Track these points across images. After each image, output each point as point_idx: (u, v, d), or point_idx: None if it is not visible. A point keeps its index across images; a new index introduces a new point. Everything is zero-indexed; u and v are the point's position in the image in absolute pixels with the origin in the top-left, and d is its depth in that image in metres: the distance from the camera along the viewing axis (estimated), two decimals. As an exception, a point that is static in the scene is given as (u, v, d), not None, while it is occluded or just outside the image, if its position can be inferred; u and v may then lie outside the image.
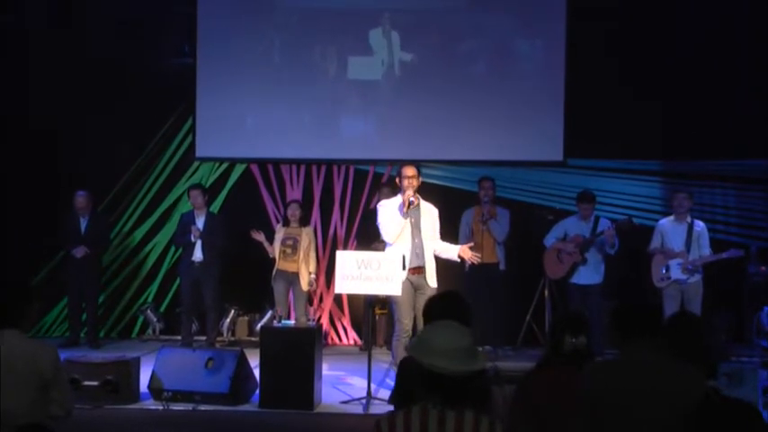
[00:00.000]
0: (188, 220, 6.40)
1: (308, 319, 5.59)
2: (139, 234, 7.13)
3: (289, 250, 6.10)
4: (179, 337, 6.47)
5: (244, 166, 7.11)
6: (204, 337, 6.47)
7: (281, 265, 6.11)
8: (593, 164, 6.82)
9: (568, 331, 2.64)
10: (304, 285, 6.11)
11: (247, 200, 7.02)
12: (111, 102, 6.81)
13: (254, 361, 4.88)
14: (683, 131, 6.57)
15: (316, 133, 6.92)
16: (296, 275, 6.10)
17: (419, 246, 4.75)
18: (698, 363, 2.39)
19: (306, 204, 6.66)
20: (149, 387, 4.73)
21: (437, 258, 4.83)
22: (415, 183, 4.74)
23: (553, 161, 6.75)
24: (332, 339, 6.94)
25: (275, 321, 5.22)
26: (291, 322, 5.32)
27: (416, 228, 4.77)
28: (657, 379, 2.26)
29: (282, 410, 4.53)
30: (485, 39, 6.85)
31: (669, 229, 5.72)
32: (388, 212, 4.78)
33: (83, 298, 6.54)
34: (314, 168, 7.05)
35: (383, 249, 4.89)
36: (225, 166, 7.12)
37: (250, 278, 6.67)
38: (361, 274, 4.57)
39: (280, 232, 6.22)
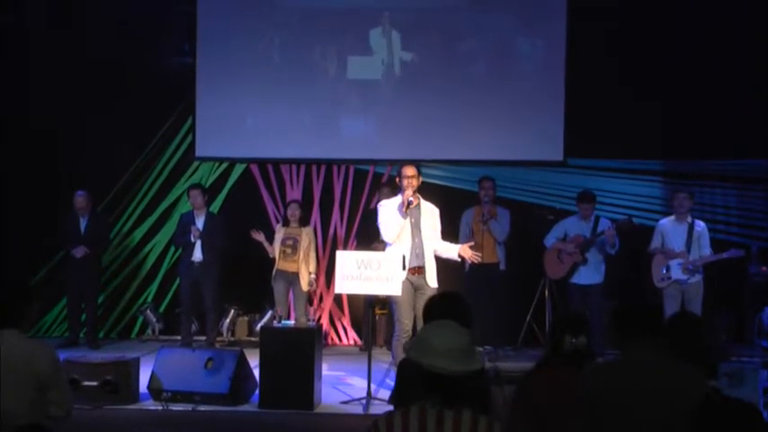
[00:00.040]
0: (188, 220, 6.40)
1: (308, 320, 5.59)
2: (139, 234, 7.13)
3: (289, 250, 6.09)
4: (179, 338, 6.47)
5: (243, 165, 7.10)
6: (204, 338, 6.46)
7: (280, 265, 6.11)
8: (594, 164, 6.82)
9: (569, 331, 2.64)
10: (304, 285, 6.11)
11: (247, 200, 7.01)
12: (111, 102, 6.81)
13: (253, 361, 4.87)
14: (683, 131, 6.57)
15: (316, 133, 6.91)
16: (296, 275, 6.09)
17: (419, 246, 4.74)
18: (698, 363, 2.39)
19: (306, 204, 6.66)
20: (149, 387, 4.73)
21: (437, 258, 4.82)
22: (414, 182, 4.74)
23: (553, 161, 6.75)
24: (332, 339, 6.93)
25: (275, 321, 5.22)
26: (291, 322, 5.32)
27: (416, 228, 4.76)
28: (658, 379, 2.26)
29: (282, 411, 4.53)
30: (485, 38, 6.84)
31: (669, 229, 5.72)
32: (388, 212, 4.77)
33: (82, 298, 6.54)
34: (314, 168, 7.04)
35: (383, 249, 4.89)
36: (225, 165, 7.12)
37: (250, 278, 6.66)
38: (361, 274, 4.56)
39: (279, 232, 6.21)
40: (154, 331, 6.91)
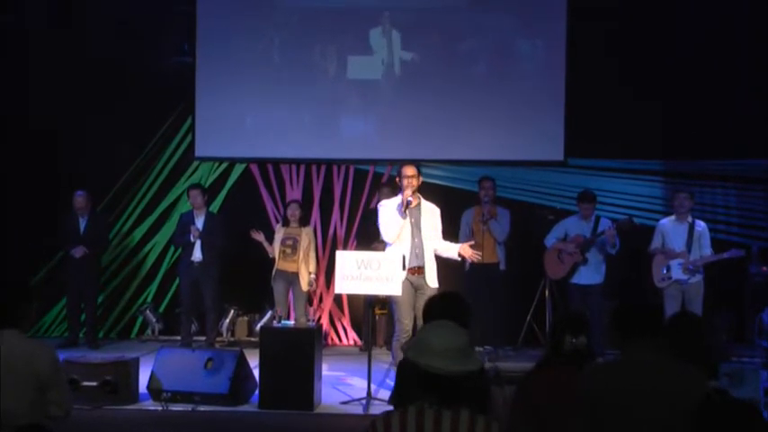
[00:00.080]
0: (187, 219, 6.40)
1: (308, 320, 5.58)
2: (139, 234, 7.12)
3: (288, 250, 6.09)
4: (178, 338, 6.46)
5: (243, 165, 7.10)
6: (203, 338, 6.46)
7: (280, 265, 6.10)
8: (594, 164, 6.82)
9: (569, 331, 2.64)
10: (304, 285, 6.10)
11: (247, 200, 7.01)
12: (111, 102, 6.81)
13: (253, 361, 4.87)
14: (683, 131, 6.57)
15: (315, 133, 6.91)
16: (296, 275, 6.09)
17: (419, 246, 4.74)
18: (699, 363, 2.39)
19: (305, 204, 6.66)
20: (148, 388, 4.72)
21: (437, 258, 4.81)
22: (414, 182, 4.73)
23: (554, 161, 6.75)
24: (332, 340, 6.93)
25: (275, 321, 5.21)
26: (291, 322, 5.31)
27: (416, 228, 4.75)
28: (658, 379, 2.26)
29: (282, 411, 4.52)
30: (485, 38, 6.84)
31: (670, 229, 5.72)
32: (388, 212, 4.77)
33: (82, 298, 6.53)
34: (314, 168, 7.04)
35: (383, 249, 4.88)
36: (224, 165, 7.11)
37: (250, 278, 6.66)
38: (361, 274, 4.56)
39: (279, 232, 6.21)
40: (153, 331, 6.91)
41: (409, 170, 4.75)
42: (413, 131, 6.77)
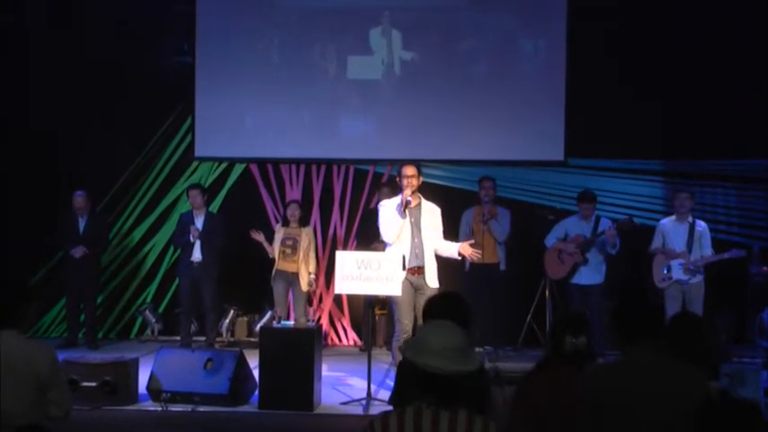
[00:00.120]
0: (187, 220, 6.39)
1: (308, 320, 5.58)
2: (138, 234, 7.12)
3: (288, 250, 6.08)
4: (178, 338, 6.46)
5: (243, 165, 7.09)
6: (203, 338, 6.45)
7: (280, 265, 6.10)
8: (594, 164, 6.81)
9: (569, 331, 2.63)
10: (304, 286, 6.09)
11: (247, 200, 7.00)
12: (111, 102, 6.81)
13: (253, 362, 4.86)
14: (683, 131, 6.56)
15: (315, 133, 6.90)
16: (295, 276, 6.08)
17: (419, 246, 4.73)
18: (700, 363, 2.38)
19: (305, 204, 6.65)
20: (148, 388, 4.71)
21: (437, 258, 4.81)
22: (414, 182, 4.73)
23: (554, 161, 6.74)
24: (332, 340, 6.92)
25: (275, 322, 5.20)
26: (291, 323, 5.30)
27: (416, 228, 4.75)
28: (659, 380, 2.25)
29: (282, 411, 4.52)
30: (485, 38, 6.83)
31: (670, 230, 5.71)
32: (388, 212, 4.76)
33: (81, 298, 6.52)
34: (313, 168, 7.03)
35: (383, 249, 4.88)
36: (224, 165, 7.11)
37: (249, 278, 6.65)
38: (361, 274, 4.55)
39: (279, 232, 6.20)
40: (153, 332, 6.90)
41: (409, 170, 4.75)
42: (413, 131, 6.76)
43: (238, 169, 7.11)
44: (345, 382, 5.38)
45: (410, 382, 1.91)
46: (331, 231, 6.99)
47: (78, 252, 6.41)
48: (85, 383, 4.54)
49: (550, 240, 6.01)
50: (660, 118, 6.58)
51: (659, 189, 6.78)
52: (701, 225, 5.71)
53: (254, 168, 7.07)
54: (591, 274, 5.85)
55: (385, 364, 5.72)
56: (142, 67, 6.88)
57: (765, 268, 6.14)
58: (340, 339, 6.98)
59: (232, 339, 6.69)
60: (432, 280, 4.72)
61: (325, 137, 6.91)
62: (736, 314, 6.30)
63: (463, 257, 4.97)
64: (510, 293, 6.15)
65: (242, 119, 6.99)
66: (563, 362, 2.61)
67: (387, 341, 6.43)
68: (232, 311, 6.75)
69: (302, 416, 4.52)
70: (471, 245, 4.89)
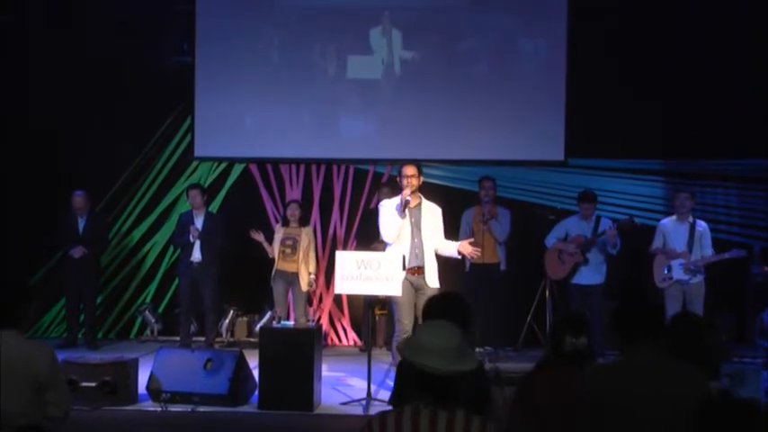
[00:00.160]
0: (187, 220, 6.38)
1: (308, 320, 5.57)
2: (138, 234, 7.11)
3: (288, 250, 6.08)
4: (177, 338, 6.45)
5: (243, 165, 7.09)
6: (203, 338, 6.44)
7: (280, 265, 6.09)
8: (595, 163, 6.81)
9: (569, 331, 2.63)
10: (303, 286, 6.09)
11: (246, 200, 7.00)
12: (111, 102, 6.81)
13: (253, 362, 4.86)
14: (683, 131, 6.56)
15: (315, 133, 6.90)
16: (295, 276, 6.08)
17: (418, 246, 4.73)
18: (700, 364, 2.38)
19: (305, 204, 6.64)
20: (148, 388, 4.71)
21: (438, 258, 4.80)
22: (414, 182, 4.72)
23: (554, 161, 6.74)
24: (331, 340, 6.92)
25: (274, 322, 5.20)
26: (291, 323, 5.29)
27: (416, 228, 4.74)
28: (659, 380, 2.25)
29: (282, 412, 4.51)
30: (485, 38, 6.83)
31: (671, 229, 5.70)
32: (388, 212, 4.76)
33: (81, 298, 6.52)
34: (313, 168, 7.03)
35: (383, 249, 4.87)
36: (224, 165, 7.10)
37: (249, 278, 6.65)
38: (361, 274, 4.55)
39: (279, 232, 6.20)
40: (153, 332, 6.89)
41: (409, 170, 4.74)
42: (413, 131, 6.76)
43: (238, 169, 7.10)
44: (345, 383, 5.37)
45: (409, 383, 1.91)
46: (331, 231, 6.98)
47: (78, 252, 6.40)
48: (85, 384, 4.54)
49: (551, 240, 6.00)
50: (660, 118, 6.57)
51: (660, 189, 6.78)
52: (702, 225, 5.71)
53: (254, 168, 7.07)
54: (591, 275, 5.84)
55: (385, 364, 5.71)
56: (142, 67, 6.88)
57: (766, 268, 6.14)
58: (340, 339, 6.97)
59: (232, 339, 6.69)
60: (432, 280, 4.71)
61: (325, 137, 6.90)
62: (736, 314, 6.30)
63: (463, 257, 4.96)
64: (510, 294, 6.14)
65: (242, 119, 6.99)
66: (563, 362, 2.61)
67: (387, 341, 6.42)
68: (232, 311, 6.75)
69: (302, 416, 4.51)
70: (471, 243, 4.89)
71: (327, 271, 6.67)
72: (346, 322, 6.98)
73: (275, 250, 6.10)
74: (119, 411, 4.54)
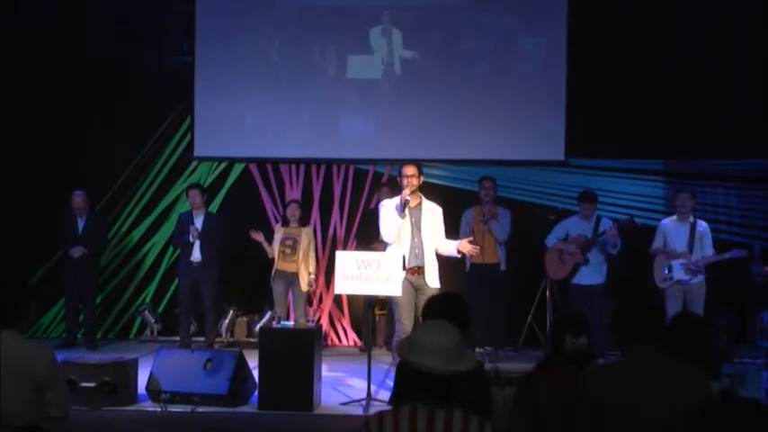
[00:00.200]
0: (186, 220, 6.38)
1: (308, 320, 5.56)
2: (137, 234, 7.11)
3: (288, 250, 6.07)
4: (177, 338, 6.45)
5: (242, 165, 7.08)
6: (203, 338, 6.44)
7: (280, 265, 6.09)
8: (595, 163, 6.80)
9: (569, 332, 2.62)
10: (303, 286, 6.08)
11: (246, 200, 6.99)
12: (111, 102, 6.81)
13: (252, 362, 4.85)
14: (683, 131, 6.56)
15: (315, 133, 6.89)
16: (295, 276, 6.07)
17: (418, 246, 4.72)
18: (701, 364, 2.37)
19: (305, 204, 6.64)
20: (147, 389, 4.70)
21: (438, 257, 4.79)
22: (414, 182, 4.72)
23: (555, 161, 6.73)
24: (331, 340, 6.91)
25: (274, 322, 5.19)
26: (291, 323, 5.29)
27: (416, 227, 4.74)
28: (659, 380, 2.24)
29: (282, 412, 4.51)
30: (485, 38, 6.83)
31: (672, 230, 5.70)
32: (388, 212, 4.75)
33: (80, 298, 6.51)
34: (313, 168, 7.02)
35: (383, 249, 4.87)
36: (223, 165, 7.10)
37: (249, 279, 6.64)
38: (361, 274, 4.54)
39: (279, 232, 6.19)
40: (152, 332, 6.89)
41: (409, 170, 4.74)
42: (413, 131, 6.76)
43: (238, 169, 7.10)
44: (345, 383, 5.37)
45: (409, 383, 1.91)
46: (331, 231, 6.98)
47: (77, 252, 6.40)
48: (84, 384, 4.53)
49: (551, 240, 6.00)
50: (660, 118, 6.57)
51: (660, 189, 6.78)
52: (703, 225, 5.70)
53: (254, 168, 7.07)
54: (592, 275, 5.84)
55: (385, 364, 5.71)
56: (142, 67, 6.88)
57: (766, 268, 6.13)
58: (340, 340, 6.97)
59: (231, 340, 6.68)
60: (432, 280, 4.71)
61: (325, 137, 6.90)
62: (737, 314, 6.29)
63: (463, 255, 4.96)
64: (510, 294, 6.14)
65: (242, 119, 6.98)
66: (563, 362, 2.60)
67: (387, 341, 6.42)
68: (231, 312, 6.74)
69: (302, 416, 4.51)
70: (470, 241, 4.88)
71: (327, 271, 6.67)
72: (346, 322, 6.97)
73: (275, 250, 6.09)
74: (118, 412, 4.53)
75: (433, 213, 4.81)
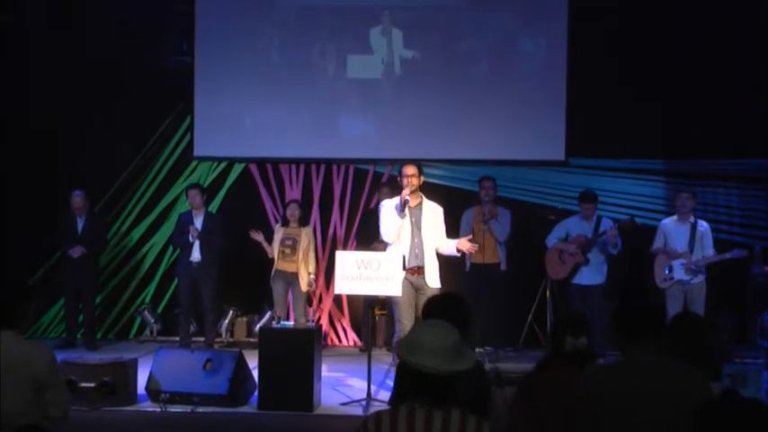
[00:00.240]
0: (186, 219, 6.38)
1: (308, 320, 5.56)
2: (137, 234, 7.11)
3: (288, 250, 6.07)
4: (177, 339, 6.44)
5: (242, 165, 7.08)
6: (202, 338, 6.43)
7: (279, 265, 6.08)
8: (596, 163, 6.80)
9: (570, 332, 2.62)
10: (303, 286, 6.08)
11: (246, 200, 6.99)
12: (111, 102, 6.81)
13: (252, 362, 4.85)
14: (684, 131, 6.56)
15: (315, 132, 6.89)
16: (295, 276, 6.07)
17: (418, 246, 4.72)
18: (701, 364, 2.37)
19: (305, 204, 6.64)
20: (147, 389, 4.70)
21: (438, 257, 4.79)
22: (414, 182, 4.71)
23: (555, 161, 6.73)
24: (331, 340, 6.91)
25: (274, 322, 5.19)
26: (290, 323, 5.28)
27: (416, 227, 4.74)
28: (660, 380, 2.24)
29: (281, 412, 4.50)
30: (486, 38, 6.83)
31: (672, 229, 5.70)
32: (388, 212, 4.75)
33: (80, 299, 6.51)
34: (313, 168, 7.02)
35: (383, 249, 4.86)
36: (223, 165, 7.10)
37: (249, 279, 6.64)
38: (361, 274, 4.54)
39: (279, 232, 6.19)
40: (152, 332, 6.89)
41: (409, 169, 4.74)
42: (413, 131, 6.76)
43: (238, 169, 7.09)
44: (345, 383, 5.36)
45: (407, 382, 1.90)
46: (331, 231, 6.97)
47: (76, 252, 6.40)
48: (84, 384, 4.53)
49: (551, 240, 6.00)
50: (660, 118, 6.57)
51: (661, 189, 6.77)
52: (703, 225, 5.70)
53: (254, 168, 7.06)
54: (592, 275, 5.83)
55: (385, 364, 5.71)
56: (142, 67, 6.88)
57: (767, 268, 6.13)
58: (340, 340, 6.96)
59: (231, 340, 6.68)
60: (432, 280, 4.70)
61: (325, 136, 6.90)
62: (737, 314, 6.29)
63: (463, 255, 4.95)
64: (510, 294, 6.14)
65: (241, 119, 6.98)
66: (563, 362, 2.60)
67: (387, 341, 6.42)
68: (231, 312, 6.74)
69: (302, 416, 4.51)
70: (469, 240, 4.88)
71: (327, 271, 6.66)
72: (346, 322, 6.97)
73: (275, 250, 6.09)
74: (118, 412, 4.53)
75: (433, 213, 4.81)
